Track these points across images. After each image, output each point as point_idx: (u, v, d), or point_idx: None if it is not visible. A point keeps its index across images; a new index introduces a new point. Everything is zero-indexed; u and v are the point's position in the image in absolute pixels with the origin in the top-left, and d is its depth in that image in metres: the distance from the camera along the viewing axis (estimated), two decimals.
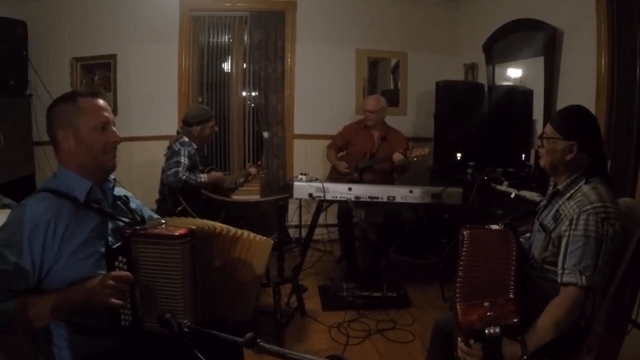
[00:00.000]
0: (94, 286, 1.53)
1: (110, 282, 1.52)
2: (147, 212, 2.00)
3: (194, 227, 1.73)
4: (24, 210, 1.56)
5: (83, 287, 1.53)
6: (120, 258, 1.60)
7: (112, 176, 1.82)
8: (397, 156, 4.17)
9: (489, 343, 1.62)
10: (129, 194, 1.96)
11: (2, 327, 1.49)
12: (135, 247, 1.61)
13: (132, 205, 1.90)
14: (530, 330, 1.70)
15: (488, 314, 1.64)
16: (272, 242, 1.97)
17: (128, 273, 1.58)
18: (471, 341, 1.67)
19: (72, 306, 1.53)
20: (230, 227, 1.87)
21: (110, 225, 1.73)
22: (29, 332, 1.66)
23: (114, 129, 1.77)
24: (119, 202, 1.85)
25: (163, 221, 1.75)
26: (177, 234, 1.65)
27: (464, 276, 1.82)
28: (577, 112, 1.98)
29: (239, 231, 1.87)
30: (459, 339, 1.73)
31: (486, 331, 1.62)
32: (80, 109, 1.69)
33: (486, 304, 1.67)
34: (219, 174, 3.73)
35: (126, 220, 1.76)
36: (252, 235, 1.90)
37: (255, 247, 1.91)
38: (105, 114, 1.74)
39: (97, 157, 1.71)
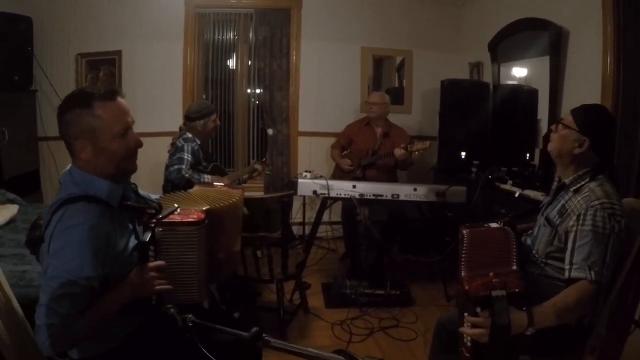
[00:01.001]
0: (138, 280, 1.60)
1: (152, 273, 1.61)
2: (151, 196, 2.01)
3: (204, 207, 1.88)
4: (77, 232, 1.49)
5: (128, 283, 1.60)
6: (152, 247, 1.66)
7: None
8: (398, 151, 4.18)
9: (497, 306, 1.62)
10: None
11: (74, 344, 1.54)
12: (159, 234, 1.69)
13: (140, 191, 1.91)
14: (537, 306, 1.69)
15: (493, 280, 1.66)
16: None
17: (162, 262, 1.66)
18: (478, 309, 1.67)
19: (126, 300, 1.59)
20: (227, 191, 2.10)
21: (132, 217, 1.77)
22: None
23: (133, 131, 1.69)
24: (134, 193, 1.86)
25: (176, 205, 1.81)
26: (194, 219, 1.77)
27: (467, 255, 1.84)
28: (599, 111, 1.98)
29: (232, 195, 2.11)
30: (466, 314, 1.73)
31: (492, 293, 1.63)
32: (97, 117, 1.58)
33: (491, 274, 1.68)
34: (224, 180, 3.71)
35: (149, 210, 1.77)
36: (234, 192, 2.16)
37: (238, 203, 2.16)
38: (125, 118, 1.64)
39: (119, 164, 1.65)
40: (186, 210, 1.81)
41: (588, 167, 1.90)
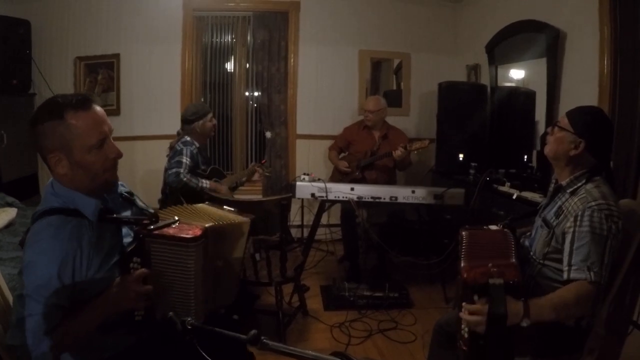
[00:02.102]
0: (118, 293, 1.51)
1: (134, 286, 1.51)
2: (144, 206, 1.93)
3: (207, 225, 1.73)
4: (47, 247, 1.44)
5: (108, 295, 1.52)
6: (135, 259, 1.58)
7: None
8: (397, 152, 4.18)
9: (494, 293, 1.63)
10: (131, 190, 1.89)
11: (57, 350, 1.47)
12: (149, 246, 1.60)
13: (137, 201, 1.84)
14: (535, 299, 1.70)
15: (492, 270, 1.67)
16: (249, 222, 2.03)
17: (145, 270, 1.57)
18: (475, 297, 1.68)
19: (105, 316, 1.51)
20: (229, 215, 1.93)
21: (123, 229, 1.69)
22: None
23: (112, 142, 1.59)
24: (124, 200, 1.79)
25: (176, 217, 1.71)
26: (191, 235, 1.63)
27: (467, 250, 1.84)
28: (595, 113, 1.98)
29: (237, 218, 1.94)
30: (464, 303, 1.73)
31: (490, 281, 1.64)
32: (70, 129, 1.47)
33: (489, 264, 1.70)
34: (223, 187, 3.71)
35: (140, 220, 1.67)
36: (238, 217, 1.97)
37: (241, 229, 1.98)
38: (101, 127, 1.54)
39: (97, 177, 1.56)
40: (184, 225, 1.69)
41: (585, 168, 1.91)
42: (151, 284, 1.59)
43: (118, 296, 1.51)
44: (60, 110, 1.48)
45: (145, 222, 1.64)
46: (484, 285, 1.66)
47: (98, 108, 1.55)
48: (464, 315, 1.72)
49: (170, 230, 1.64)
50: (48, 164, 1.54)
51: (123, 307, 1.53)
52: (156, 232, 1.60)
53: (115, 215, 1.64)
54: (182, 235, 1.62)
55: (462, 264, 1.77)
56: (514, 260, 1.74)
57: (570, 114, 1.96)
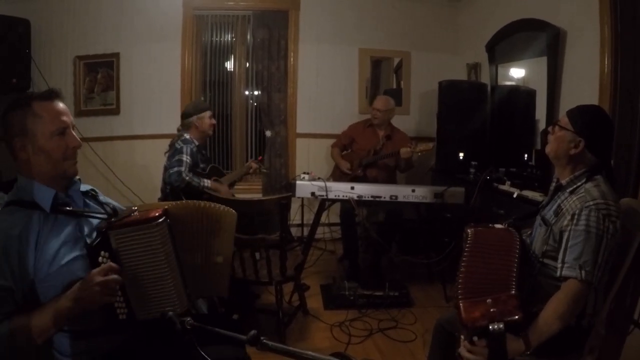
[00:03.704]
0: (80, 288, 1.48)
1: (97, 278, 1.48)
2: (114, 204, 1.92)
3: (166, 206, 1.73)
4: None
5: (71, 293, 1.49)
6: (102, 253, 1.58)
7: (77, 177, 1.76)
8: (405, 149, 4.18)
9: (494, 339, 1.62)
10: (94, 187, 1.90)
11: (7, 349, 1.44)
12: (114, 239, 1.59)
13: (101, 198, 1.86)
14: (532, 325, 1.71)
15: (491, 310, 1.65)
16: (235, 213, 1.97)
17: (111, 264, 1.55)
18: (475, 338, 1.68)
19: (69, 314, 1.48)
20: (199, 201, 1.89)
21: (85, 227, 1.69)
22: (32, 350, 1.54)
23: (73, 133, 1.67)
24: (87, 200, 1.80)
25: (135, 207, 1.73)
26: (151, 215, 1.64)
27: (466, 272, 1.83)
28: (595, 112, 1.99)
29: (206, 203, 1.90)
30: (462, 337, 1.74)
31: (490, 327, 1.63)
32: (35, 115, 1.59)
33: (489, 300, 1.68)
34: (223, 187, 3.71)
35: (99, 215, 1.71)
36: (218, 205, 1.93)
37: (224, 218, 1.93)
38: (64, 118, 1.64)
39: (57, 164, 1.63)
40: (143, 212, 1.69)
41: (585, 167, 1.91)
42: (126, 282, 1.59)
43: (81, 289, 1.48)
44: (28, 100, 1.61)
45: (104, 216, 1.70)
46: (483, 329, 1.65)
47: (61, 103, 1.67)
48: (463, 353, 1.73)
49: (130, 218, 1.65)
50: (13, 150, 1.62)
51: (89, 301, 1.48)
52: (117, 222, 1.62)
53: (67, 208, 1.65)
54: (142, 218, 1.64)
55: (460, 302, 1.75)
56: (514, 291, 1.72)
57: (571, 113, 1.95)
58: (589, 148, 1.89)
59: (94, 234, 1.66)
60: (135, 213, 1.68)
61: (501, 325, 1.62)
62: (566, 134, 1.92)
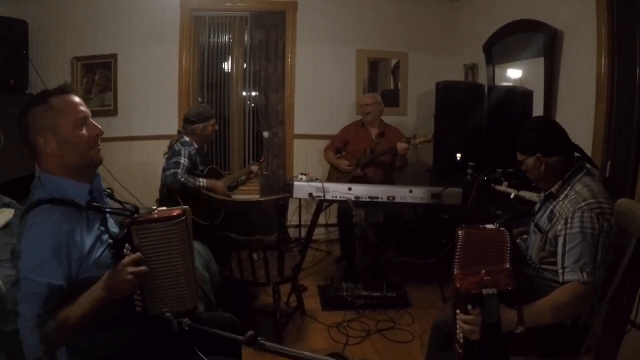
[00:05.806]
0: (112, 278, 1.55)
1: (130, 268, 1.56)
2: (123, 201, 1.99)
3: (184, 207, 1.80)
4: (37, 230, 1.51)
5: (103, 282, 1.56)
6: (127, 246, 1.64)
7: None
8: (402, 145, 4.20)
9: (487, 304, 1.64)
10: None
11: (48, 346, 1.47)
12: (136, 235, 1.66)
13: (118, 198, 1.90)
14: (529, 305, 1.72)
15: (485, 278, 1.68)
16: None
17: (140, 254, 1.63)
18: (469, 307, 1.68)
19: (101, 303, 1.54)
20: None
21: (109, 220, 1.77)
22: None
23: (93, 121, 1.72)
24: (107, 196, 1.86)
25: (154, 207, 1.79)
26: (173, 214, 1.72)
27: (462, 253, 1.86)
28: (529, 127, 2.11)
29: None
30: (458, 311, 1.75)
31: (483, 292, 1.65)
32: (55, 110, 1.63)
33: (483, 271, 1.70)
34: (219, 183, 3.71)
35: (125, 212, 1.75)
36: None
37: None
38: (82, 108, 1.69)
39: (84, 154, 1.67)
40: (165, 211, 1.77)
41: (564, 170, 1.98)
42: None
43: (113, 279, 1.56)
44: (44, 96, 1.65)
45: (127, 213, 1.74)
46: (477, 296, 1.67)
47: (76, 96, 1.71)
48: (458, 323, 1.73)
49: (152, 216, 1.73)
50: (37, 148, 1.64)
51: (120, 290, 1.57)
52: (140, 219, 1.70)
53: (98, 204, 1.72)
54: (163, 216, 1.72)
55: (455, 271, 1.78)
56: (508, 265, 1.75)
57: (517, 145, 2.11)
58: (548, 155, 1.99)
59: (112, 229, 1.77)
60: (155, 212, 1.75)
61: (494, 291, 1.65)
62: (527, 162, 2.05)
